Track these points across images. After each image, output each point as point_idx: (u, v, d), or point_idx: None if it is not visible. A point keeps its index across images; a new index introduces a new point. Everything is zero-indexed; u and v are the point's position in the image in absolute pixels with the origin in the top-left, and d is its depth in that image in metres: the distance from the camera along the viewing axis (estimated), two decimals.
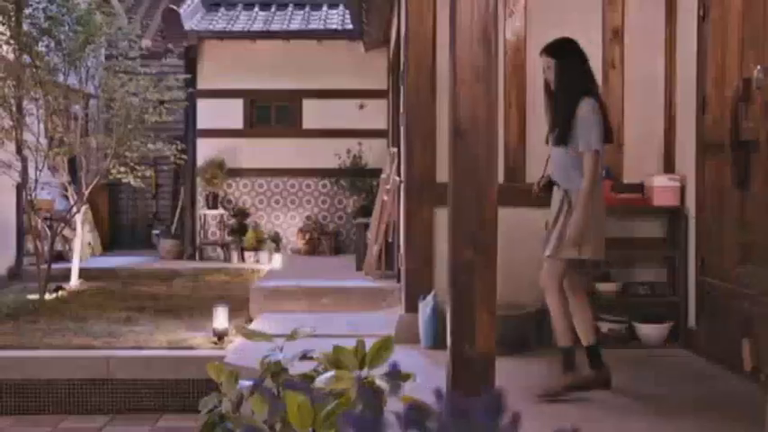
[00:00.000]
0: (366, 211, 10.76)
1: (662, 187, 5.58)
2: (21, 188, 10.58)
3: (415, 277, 5.81)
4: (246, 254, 10.98)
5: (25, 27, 8.20)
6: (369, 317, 6.75)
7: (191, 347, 6.02)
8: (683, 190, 5.58)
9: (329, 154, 11.28)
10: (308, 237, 10.97)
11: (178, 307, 7.73)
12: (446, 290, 5.58)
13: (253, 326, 6.53)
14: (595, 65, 5.84)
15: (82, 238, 10.55)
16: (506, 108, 5.83)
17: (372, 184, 11.19)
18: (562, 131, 4.34)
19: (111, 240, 12.82)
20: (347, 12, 11.71)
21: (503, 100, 5.82)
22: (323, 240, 10.97)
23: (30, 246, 10.69)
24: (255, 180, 11.50)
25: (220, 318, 6.18)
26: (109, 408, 5.73)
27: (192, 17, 11.43)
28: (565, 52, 4.42)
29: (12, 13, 8.12)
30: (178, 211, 11.93)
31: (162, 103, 8.44)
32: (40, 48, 8.19)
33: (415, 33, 5.77)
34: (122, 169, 8.69)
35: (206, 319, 7.11)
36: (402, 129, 6.05)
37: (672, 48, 5.83)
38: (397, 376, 2.40)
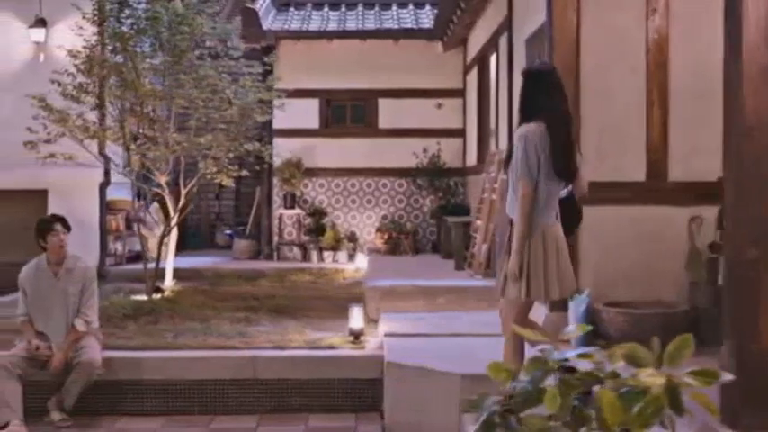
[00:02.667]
0: (445, 210, 10.77)
1: None
2: (103, 188, 10.63)
3: None
4: (325, 254, 10.98)
5: (125, 28, 8.19)
6: (494, 316, 6.73)
7: (331, 347, 6.01)
8: None
9: (404, 153, 11.29)
10: (386, 236, 10.97)
11: (287, 307, 7.73)
12: (597, 289, 5.60)
13: (381, 326, 6.54)
14: None
15: (158, 238, 10.57)
16: (648, 106, 5.82)
17: (450, 183, 11.21)
18: (506, 154, 4.22)
19: (178, 241, 12.81)
20: (418, 11, 11.74)
21: (645, 98, 5.83)
22: (402, 240, 10.96)
23: (112, 246, 10.74)
24: (331, 180, 11.52)
25: (356, 317, 6.18)
26: (255, 408, 5.71)
27: (266, 17, 11.44)
28: (529, 75, 4.25)
29: (114, 14, 8.12)
30: (253, 211, 11.94)
31: (264, 102, 8.44)
32: (140, 48, 8.19)
33: (559, 34, 5.75)
34: (214, 169, 8.67)
35: (323, 319, 7.15)
36: None
37: None
38: (707, 374, 2.40)
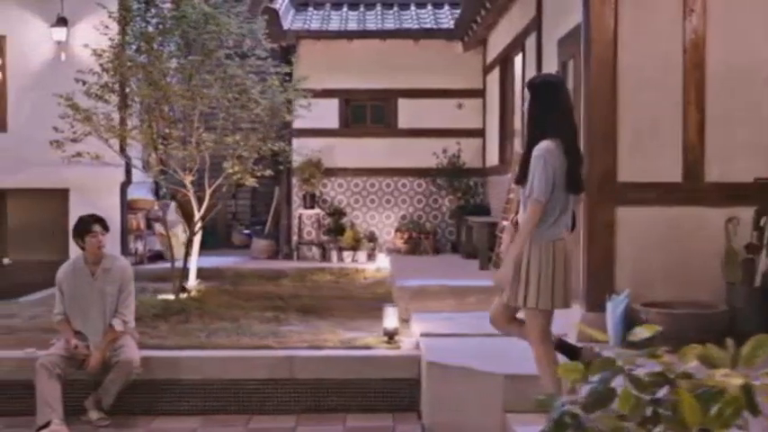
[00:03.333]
0: (465, 210, 10.78)
1: None
2: (124, 187, 10.65)
3: (596, 277, 5.80)
4: (344, 253, 10.99)
5: (150, 28, 8.19)
6: None
7: (367, 347, 6.01)
8: None
9: (424, 153, 11.30)
10: (406, 236, 10.97)
11: (314, 307, 7.72)
12: (634, 289, 5.59)
13: (413, 326, 6.54)
14: None
15: (178, 237, 10.58)
16: (685, 106, 5.81)
17: (469, 183, 11.22)
18: (519, 170, 4.22)
19: None
20: (437, 11, 11.75)
21: (682, 98, 5.81)
22: (422, 240, 10.96)
23: (133, 245, 10.75)
24: (351, 180, 11.53)
25: (390, 317, 6.18)
26: (292, 408, 5.71)
27: (285, 17, 11.44)
28: (539, 89, 4.23)
29: (140, 13, 8.13)
30: (272, 210, 11.95)
31: (290, 102, 8.44)
32: (166, 48, 8.19)
33: (596, 33, 5.75)
34: (237, 169, 8.65)
35: (350, 319, 7.15)
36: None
37: None
38: None
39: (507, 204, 8.39)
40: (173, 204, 11.43)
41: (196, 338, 6.31)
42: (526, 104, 4.30)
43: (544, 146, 4.05)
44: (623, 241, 5.81)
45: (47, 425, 5.17)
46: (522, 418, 4.61)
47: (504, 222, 8.30)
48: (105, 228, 5.71)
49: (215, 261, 10.97)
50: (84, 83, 8.05)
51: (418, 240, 10.96)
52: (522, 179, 4.22)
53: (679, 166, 5.84)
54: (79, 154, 8.10)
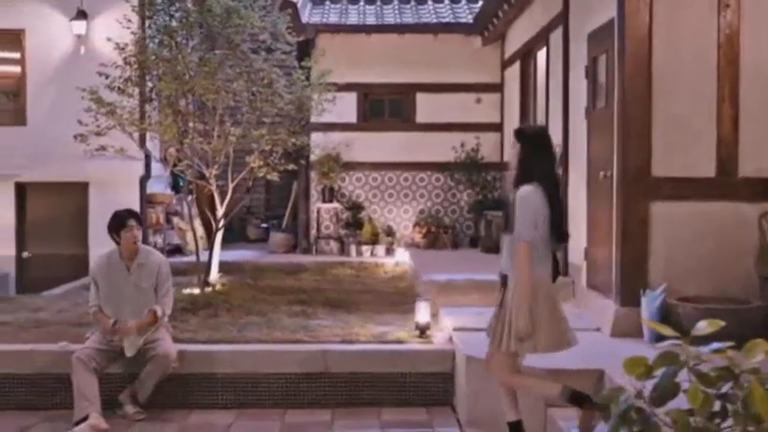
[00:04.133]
0: (483, 205, 10.78)
1: None
2: (143, 181, 10.65)
3: (630, 272, 5.81)
4: (363, 248, 10.99)
5: (174, 22, 8.19)
6: None
7: (399, 341, 6.02)
8: None
9: (442, 148, 11.30)
10: (425, 231, 10.97)
11: (339, 301, 7.72)
12: (667, 284, 5.59)
13: (444, 320, 6.55)
14: None
15: (195, 231, 10.58)
16: (719, 101, 5.81)
17: (488, 178, 11.22)
18: (507, 218, 4.32)
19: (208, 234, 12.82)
20: (454, 5, 11.73)
21: (716, 93, 5.82)
22: (441, 234, 10.96)
23: (152, 239, 10.75)
24: (369, 174, 11.53)
25: (423, 312, 6.19)
26: (327, 401, 5.73)
27: (303, 11, 11.42)
28: (525, 137, 4.39)
29: (163, 7, 8.12)
30: (290, 204, 11.95)
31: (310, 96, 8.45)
32: (189, 42, 8.18)
33: (631, 29, 5.75)
34: (260, 163, 8.65)
35: (377, 313, 7.16)
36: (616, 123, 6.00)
37: None
38: None
39: None
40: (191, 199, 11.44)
41: (228, 332, 6.31)
42: (514, 151, 4.40)
43: (528, 188, 4.17)
44: (657, 236, 5.83)
45: (85, 418, 5.19)
46: (564, 413, 4.62)
47: None
48: (139, 222, 5.72)
49: (233, 255, 10.96)
50: (107, 76, 8.05)
51: (437, 235, 10.96)
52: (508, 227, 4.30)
53: (713, 161, 5.85)
54: (103, 147, 8.10)
